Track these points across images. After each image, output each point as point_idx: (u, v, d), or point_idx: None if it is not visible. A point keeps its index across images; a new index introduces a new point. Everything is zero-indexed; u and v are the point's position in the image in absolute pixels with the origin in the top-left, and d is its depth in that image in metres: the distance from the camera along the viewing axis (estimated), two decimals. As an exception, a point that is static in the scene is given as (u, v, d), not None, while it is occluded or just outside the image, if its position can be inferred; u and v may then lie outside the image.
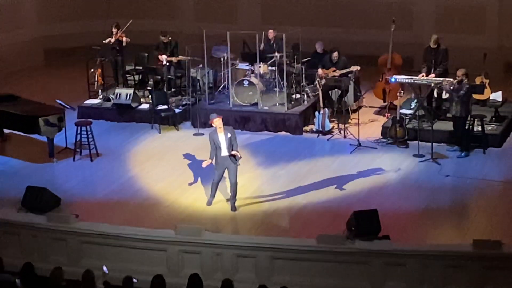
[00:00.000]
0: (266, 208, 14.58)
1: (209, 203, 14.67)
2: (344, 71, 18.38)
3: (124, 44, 19.80)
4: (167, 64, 19.32)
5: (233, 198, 14.53)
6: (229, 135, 14.25)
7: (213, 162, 14.37)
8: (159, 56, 19.37)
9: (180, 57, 19.17)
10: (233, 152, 14.27)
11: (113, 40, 19.68)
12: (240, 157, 14.41)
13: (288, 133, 18.11)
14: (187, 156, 16.83)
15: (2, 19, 23.25)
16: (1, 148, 17.66)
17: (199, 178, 15.62)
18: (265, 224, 14.06)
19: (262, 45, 19.06)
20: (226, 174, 14.53)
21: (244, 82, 18.48)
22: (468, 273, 12.15)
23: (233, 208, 14.50)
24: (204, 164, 14.48)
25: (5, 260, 11.53)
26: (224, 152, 14.25)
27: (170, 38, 19.47)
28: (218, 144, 14.21)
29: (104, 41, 19.72)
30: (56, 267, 10.99)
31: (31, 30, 24.18)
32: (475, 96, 17.55)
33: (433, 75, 17.41)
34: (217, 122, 14.28)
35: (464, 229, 13.77)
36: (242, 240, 12.98)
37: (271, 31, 19.42)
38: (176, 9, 24.69)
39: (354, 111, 18.74)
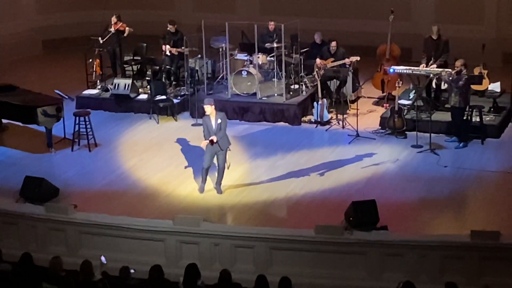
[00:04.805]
0: (264, 199, 14.58)
1: (201, 189, 14.72)
2: (338, 62, 18.33)
3: (126, 34, 19.74)
4: (170, 55, 19.28)
5: (219, 183, 14.67)
6: (219, 120, 14.35)
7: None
8: (163, 46, 19.34)
9: (179, 49, 19.10)
10: (211, 138, 14.28)
11: (113, 30, 19.62)
12: (214, 141, 14.37)
13: (286, 124, 18.09)
14: (185, 146, 16.83)
15: (1, 9, 23.19)
16: (-1, 138, 17.69)
17: (196, 168, 15.62)
18: (263, 215, 14.06)
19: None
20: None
21: (243, 72, 18.47)
22: (466, 264, 12.17)
23: (220, 191, 14.65)
24: (203, 144, 14.48)
25: (3, 250, 11.56)
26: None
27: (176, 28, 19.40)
28: (211, 128, 14.31)
29: (108, 30, 19.63)
30: (54, 257, 11.02)
31: (30, 20, 24.10)
32: (474, 87, 17.52)
33: (435, 65, 17.40)
34: (208, 108, 14.37)
35: (462, 219, 13.78)
36: (240, 230, 12.98)
37: (272, 23, 19.37)
38: (175, -1, 24.67)
39: (352, 101, 18.74)
